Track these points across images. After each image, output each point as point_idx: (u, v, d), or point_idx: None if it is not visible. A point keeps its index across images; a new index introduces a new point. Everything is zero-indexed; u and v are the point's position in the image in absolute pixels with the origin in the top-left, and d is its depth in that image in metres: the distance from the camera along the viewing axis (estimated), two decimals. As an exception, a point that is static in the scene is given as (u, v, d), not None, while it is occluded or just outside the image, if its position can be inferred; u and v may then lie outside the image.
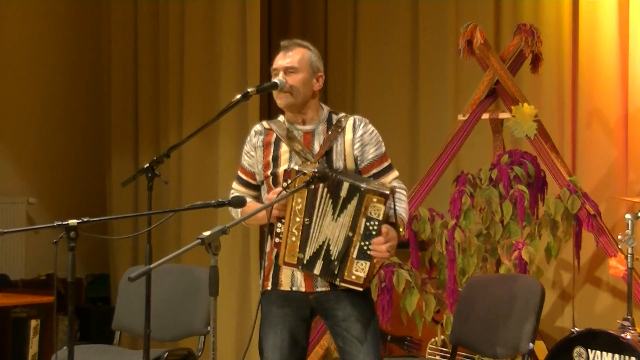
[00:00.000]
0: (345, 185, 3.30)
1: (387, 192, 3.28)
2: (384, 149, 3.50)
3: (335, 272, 3.32)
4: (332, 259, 3.32)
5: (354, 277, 3.32)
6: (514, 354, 3.82)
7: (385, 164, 3.48)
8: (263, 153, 3.50)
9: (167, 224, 6.58)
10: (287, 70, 3.44)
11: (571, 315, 5.41)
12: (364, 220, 3.28)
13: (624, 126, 5.38)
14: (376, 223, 3.28)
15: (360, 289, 3.37)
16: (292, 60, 3.45)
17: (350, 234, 3.30)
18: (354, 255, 3.31)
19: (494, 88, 5.21)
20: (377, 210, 3.27)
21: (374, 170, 3.45)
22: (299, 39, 3.61)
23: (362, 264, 3.31)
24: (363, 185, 3.29)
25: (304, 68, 3.46)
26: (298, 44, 3.51)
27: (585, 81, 5.53)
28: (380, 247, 3.28)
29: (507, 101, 5.17)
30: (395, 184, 3.45)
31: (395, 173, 3.49)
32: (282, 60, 3.47)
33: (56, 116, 7.17)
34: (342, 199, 3.30)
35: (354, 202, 3.28)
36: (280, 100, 3.46)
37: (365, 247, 3.30)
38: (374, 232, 3.29)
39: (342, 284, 3.34)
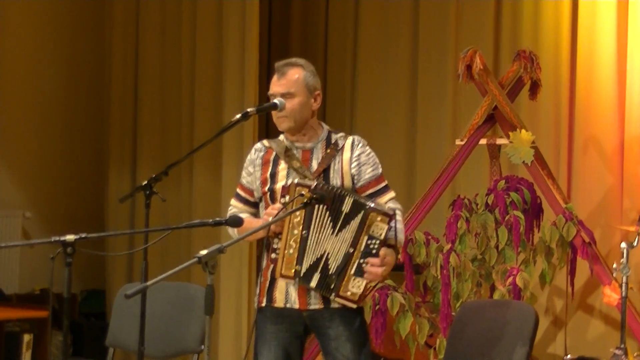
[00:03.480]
0: (349, 201, 3.33)
1: (391, 213, 3.31)
2: (380, 170, 3.53)
3: (332, 286, 3.35)
4: (330, 272, 3.34)
5: (349, 293, 3.34)
6: (506, 380, 3.82)
7: (382, 185, 3.51)
8: (261, 170, 3.53)
9: (177, 243, 6.56)
10: (284, 96, 3.45)
11: (564, 342, 5.41)
12: (365, 237, 3.32)
13: (620, 153, 5.40)
14: (377, 242, 3.31)
15: (354, 306, 3.39)
16: (288, 84, 3.46)
17: (351, 250, 3.33)
18: (352, 272, 3.34)
19: (492, 113, 5.22)
20: (380, 229, 3.30)
21: (370, 190, 3.47)
22: (299, 57, 3.59)
23: (358, 281, 3.34)
24: (368, 203, 3.31)
25: (301, 91, 3.47)
26: (292, 64, 3.50)
27: (582, 108, 5.55)
28: (375, 269, 3.31)
29: (505, 127, 5.18)
30: (391, 204, 3.47)
31: (391, 194, 3.52)
32: (277, 86, 3.47)
33: (54, 129, 7.15)
34: (344, 214, 3.33)
35: (358, 219, 3.31)
36: (280, 124, 3.48)
37: (363, 265, 3.32)
38: (373, 251, 3.32)
39: (337, 299, 3.36)
